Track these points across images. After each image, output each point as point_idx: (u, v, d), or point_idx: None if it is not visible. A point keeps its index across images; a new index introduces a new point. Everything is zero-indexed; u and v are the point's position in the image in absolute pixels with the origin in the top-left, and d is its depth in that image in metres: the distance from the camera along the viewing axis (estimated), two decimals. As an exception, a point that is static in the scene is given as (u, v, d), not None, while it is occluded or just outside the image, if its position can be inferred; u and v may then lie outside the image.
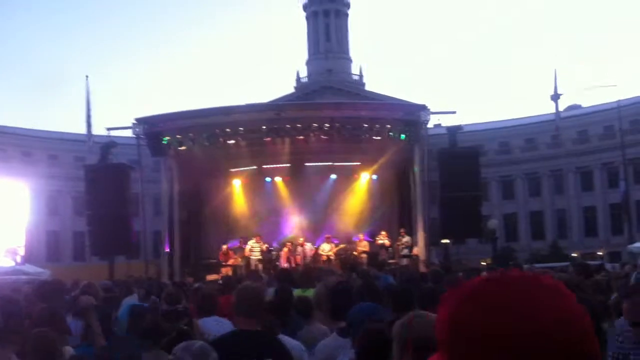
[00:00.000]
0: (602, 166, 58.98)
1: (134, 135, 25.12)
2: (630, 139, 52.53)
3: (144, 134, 24.83)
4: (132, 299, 9.18)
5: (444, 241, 26.25)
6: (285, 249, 24.59)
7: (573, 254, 46.86)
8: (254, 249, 24.42)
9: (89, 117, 39.73)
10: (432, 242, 25.79)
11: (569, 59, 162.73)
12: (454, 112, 28.10)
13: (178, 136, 24.75)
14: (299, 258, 24.32)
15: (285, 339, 5.11)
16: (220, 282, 13.48)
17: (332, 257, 24.23)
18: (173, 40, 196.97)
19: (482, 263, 25.44)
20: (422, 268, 20.36)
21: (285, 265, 22.96)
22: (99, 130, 40.68)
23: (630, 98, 56.26)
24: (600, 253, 51.67)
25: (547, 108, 63.09)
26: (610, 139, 56.65)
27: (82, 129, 48.58)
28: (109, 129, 28.27)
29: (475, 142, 40.30)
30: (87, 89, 39.35)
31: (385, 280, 12.20)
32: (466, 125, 35.79)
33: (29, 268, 24.11)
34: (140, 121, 24.92)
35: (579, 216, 60.89)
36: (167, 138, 24.71)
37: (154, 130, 24.83)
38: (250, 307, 4.55)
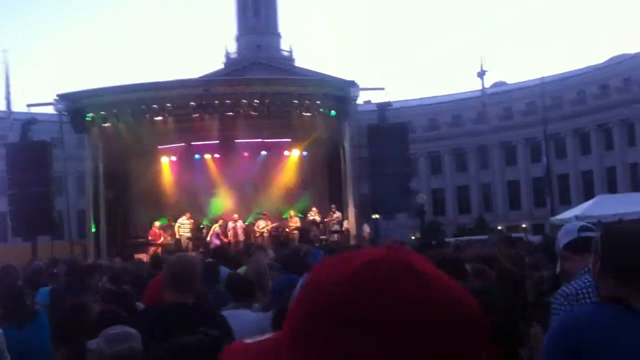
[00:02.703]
0: (525, 141, 60.83)
1: (55, 112, 24.36)
2: (552, 114, 54.26)
3: (66, 110, 24.09)
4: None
5: (374, 216, 26.54)
6: (217, 226, 24.36)
7: (498, 227, 48.21)
8: (183, 226, 24.11)
9: (8, 93, 38.25)
10: (362, 217, 26.06)
11: (496, 37, 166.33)
12: (382, 89, 28.43)
13: (102, 112, 24.07)
14: (230, 235, 24.14)
15: (237, 312, 4.98)
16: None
17: (265, 234, 24.16)
18: (98, 15, 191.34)
19: (412, 237, 25.86)
20: (353, 243, 20.54)
21: (216, 242, 22.74)
22: (19, 107, 39.29)
23: (553, 75, 58.04)
24: (524, 225, 53.40)
25: (473, 85, 64.58)
26: (533, 115, 58.42)
27: (1, 106, 46.86)
28: (29, 106, 27.30)
29: (404, 118, 40.71)
30: (5, 64, 37.79)
31: (316, 256, 12.20)
32: (395, 102, 36.21)
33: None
34: (63, 97, 24.15)
35: (503, 190, 62.84)
36: (91, 115, 23.99)
37: (76, 106, 24.08)
38: (184, 280, 4.31)
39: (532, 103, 59.53)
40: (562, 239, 3.97)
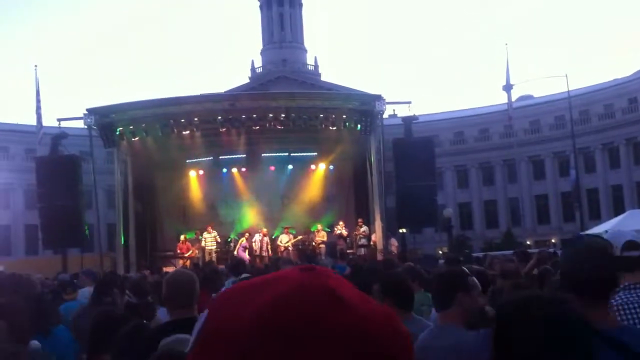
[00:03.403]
0: (553, 155, 60.24)
1: (85, 126, 24.63)
2: (580, 128, 53.69)
3: (95, 124, 24.34)
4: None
5: (400, 230, 26.42)
6: (244, 240, 24.46)
7: (526, 242, 47.76)
8: (208, 239, 24.28)
9: (38, 107, 38.76)
10: (389, 231, 25.96)
11: (522, 50, 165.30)
12: (409, 102, 28.26)
13: (131, 127, 24.36)
14: (256, 249, 24.21)
15: None
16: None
17: (290, 248, 24.19)
18: (126, 30, 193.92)
19: (439, 252, 25.69)
20: (380, 257, 20.46)
21: (243, 255, 22.82)
22: (49, 121, 39.83)
23: (580, 88, 57.51)
24: (553, 240, 52.75)
25: (499, 98, 64.18)
26: (560, 128, 57.85)
27: (32, 120, 47.54)
28: (59, 120, 27.64)
29: (430, 132, 40.65)
30: (36, 79, 38.35)
31: (341, 270, 12.17)
32: (421, 115, 36.07)
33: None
34: (92, 112, 24.40)
35: (531, 204, 62.15)
36: (120, 129, 24.31)
37: (106, 120, 24.36)
38: (181, 297, 4.36)
39: (560, 117, 58.98)
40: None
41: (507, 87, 62.75)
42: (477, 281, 4.00)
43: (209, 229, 24.56)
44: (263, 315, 0.78)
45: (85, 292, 8.31)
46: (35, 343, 4.89)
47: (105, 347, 4.49)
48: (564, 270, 2.68)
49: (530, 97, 69.11)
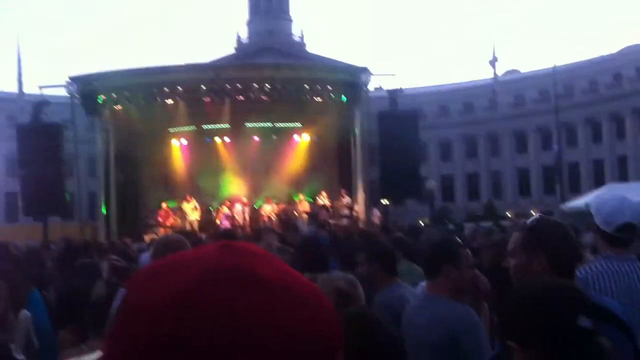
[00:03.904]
0: (536, 129, 60.55)
1: (67, 94, 24.44)
2: (564, 103, 53.88)
3: (77, 92, 24.17)
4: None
5: (383, 202, 26.56)
6: (225, 209, 24.48)
7: (507, 214, 48.10)
8: (193, 208, 24.28)
9: (19, 75, 38.33)
10: (371, 202, 26.10)
11: (509, 25, 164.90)
12: (393, 75, 28.39)
13: (113, 95, 24.18)
14: (238, 218, 24.26)
15: None
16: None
17: (273, 218, 24.25)
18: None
19: (421, 223, 25.87)
20: (362, 228, 20.57)
21: (226, 224, 22.86)
22: (32, 89, 39.46)
23: (565, 64, 57.68)
24: (533, 213, 53.15)
25: (485, 73, 64.31)
26: (544, 103, 58.10)
27: (14, 88, 47.09)
28: (41, 87, 27.37)
29: (415, 105, 40.50)
30: (17, 46, 37.87)
31: (324, 241, 12.23)
32: (406, 89, 36.05)
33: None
34: (75, 79, 24.23)
35: (513, 177, 62.62)
36: (102, 97, 24.11)
37: (88, 88, 24.17)
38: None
39: (544, 91, 59.19)
40: (606, 217, 3.56)
41: (493, 61, 62.93)
42: (469, 253, 4.01)
43: (188, 198, 24.58)
44: (173, 299, 0.74)
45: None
46: (25, 313, 4.89)
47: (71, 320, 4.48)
48: (547, 250, 2.73)
49: (516, 71, 69.29)
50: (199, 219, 24.22)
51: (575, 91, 58.97)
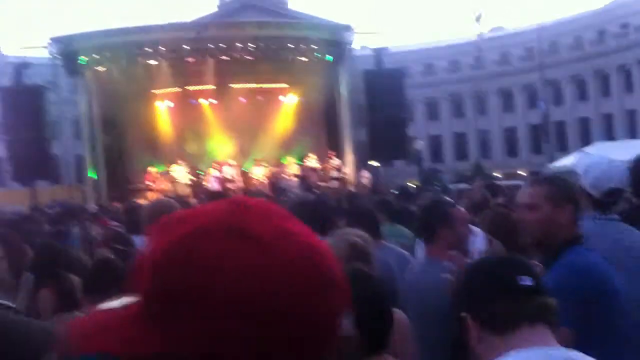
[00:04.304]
0: (522, 87, 60.47)
1: (49, 55, 24.09)
2: (550, 60, 53.79)
3: (59, 53, 23.81)
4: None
5: (371, 163, 26.53)
6: (214, 171, 24.31)
7: (495, 174, 48.34)
8: (182, 172, 24.08)
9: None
10: (360, 164, 26.06)
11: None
12: (376, 33, 28.22)
13: (95, 56, 23.81)
14: (228, 181, 24.11)
15: None
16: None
17: (263, 181, 24.12)
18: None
19: (410, 184, 25.88)
20: (352, 190, 20.55)
21: (216, 186, 22.72)
22: (12, 50, 38.70)
23: (551, 21, 57.38)
24: (522, 172, 53.48)
25: (470, 31, 63.94)
26: (530, 61, 57.91)
27: (-8, 49, 46.22)
28: (22, 49, 26.90)
29: (400, 64, 40.18)
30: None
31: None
32: (392, 47, 35.73)
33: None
34: (56, 40, 23.86)
35: (500, 137, 62.70)
36: (84, 58, 23.73)
37: (70, 49, 23.77)
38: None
39: (529, 49, 58.93)
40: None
41: (478, 19, 62.50)
42: (463, 211, 4.00)
43: (179, 161, 24.34)
44: (165, 251, 0.80)
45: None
46: (28, 275, 4.91)
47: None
48: None
49: (501, 29, 68.86)
50: (189, 183, 24.03)
51: (561, 48, 58.75)
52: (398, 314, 3.17)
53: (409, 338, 3.15)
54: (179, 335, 0.77)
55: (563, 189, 2.97)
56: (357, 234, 3.56)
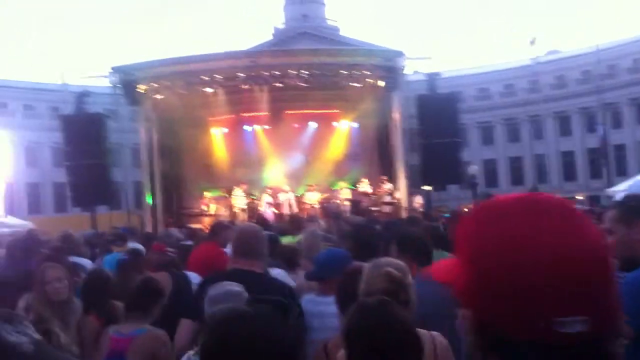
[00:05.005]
0: (579, 111, 59.30)
1: (110, 85, 24.80)
2: (608, 83, 52.66)
3: (119, 82, 24.49)
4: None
5: (424, 188, 26.38)
6: (267, 197, 24.60)
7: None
8: (237, 197, 24.45)
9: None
10: (413, 188, 25.95)
11: (548, 5, 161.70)
12: (428, 58, 28.24)
13: (154, 85, 24.44)
14: (282, 207, 24.35)
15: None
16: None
17: (316, 206, 24.28)
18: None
19: (465, 209, 25.58)
20: (404, 215, 20.48)
21: (269, 213, 22.95)
22: (74, 80, 40.13)
23: (609, 43, 56.28)
24: (580, 197, 52.28)
25: (525, 54, 63.14)
26: (587, 83, 56.82)
27: (56, 79, 47.98)
28: (85, 78, 27.82)
29: (454, 88, 40.00)
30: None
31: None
32: (445, 72, 35.65)
33: (11, 220, 23.91)
34: (117, 70, 24.54)
35: (557, 161, 61.44)
36: (144, 87, 24.39)
37: (130, 79, 24.44)
38: (250, 247, 4.40)
39: (586, 72, 57.88)
40: None
41: (533, 42, 61.75)
42: None
43: (242, 187, 24.77)
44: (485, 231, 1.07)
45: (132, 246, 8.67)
46: (77, 300, 5.08)
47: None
48: None
49: (556, 52, 67.86)
50: (244, 208, 24.34)
51: (619, 71, 57.51)
52: (438, 336, 3.23)
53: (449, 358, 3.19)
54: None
55: (634, 208, 3.04)
56: (393, 264, 3.58)
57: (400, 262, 3.70)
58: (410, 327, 2.61)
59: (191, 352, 3.72)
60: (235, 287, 3.61)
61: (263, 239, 4.62)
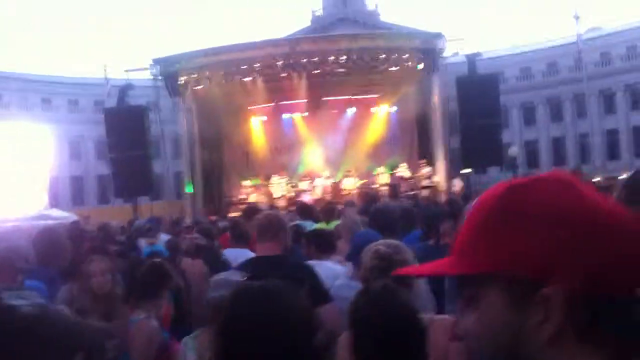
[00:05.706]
0: (625, 88, 57.92)
1: (151, 77, 25.11)
2: (654, 58, 51.22)
3: (160, 74, 24.79)
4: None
5: (464, 171, 26.17)
6: (306, 184, 24.70)
7: (596, 179, 46.63)
8: (278, 185, 24.61)
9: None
10: (453, 171, 25.77)
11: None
12: (467, 39, 27.86)
13: (195, 76, 24.68)
14: (320, 193, 24.42)
15: (327, 264, 5.13)
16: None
17: (354, 191, 24.27)
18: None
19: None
20: (443, 198, 20.36)
21: (306, 200, 23.05)
22: (117, 73, 40.78)
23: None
24: (624, 176, 51.12)
25: (567, 31, 61.83)
26: (633, 59, 55.42)
27: (99, 73, 48.81)
28: (127, 71, 28.26)
29: (495, 69, 39.45)
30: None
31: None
32: (485, 52, 35.16)
33: (55, 212, 24.44)
34: (157, 62, 24.86)
35: (601, 140, 60.18)
36: (184, 78, 24.66)
37: (170, 70, 24.76)
38: (272, 231, 4.51)
39: (631, 47, 56.43)
40: None
41: (576, 19, 60.44)
42: None
43: (281, 174, 24.93)
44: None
45: (164, 237, 8.74)
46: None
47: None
48: None
49: (599, 29, 66.30)
50: (284, 195, 24.48)
51: (666, 45, 55.96)
52: (447, 319, 3.23)
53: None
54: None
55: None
56: (386, 243, 3.64)
57: (394, 241, 3.75)
58: (412, 313, 2.64)
59: (187, 337, 3.84)
60: (235, 275, 3.69)
61: (284, 223, 4.72)
